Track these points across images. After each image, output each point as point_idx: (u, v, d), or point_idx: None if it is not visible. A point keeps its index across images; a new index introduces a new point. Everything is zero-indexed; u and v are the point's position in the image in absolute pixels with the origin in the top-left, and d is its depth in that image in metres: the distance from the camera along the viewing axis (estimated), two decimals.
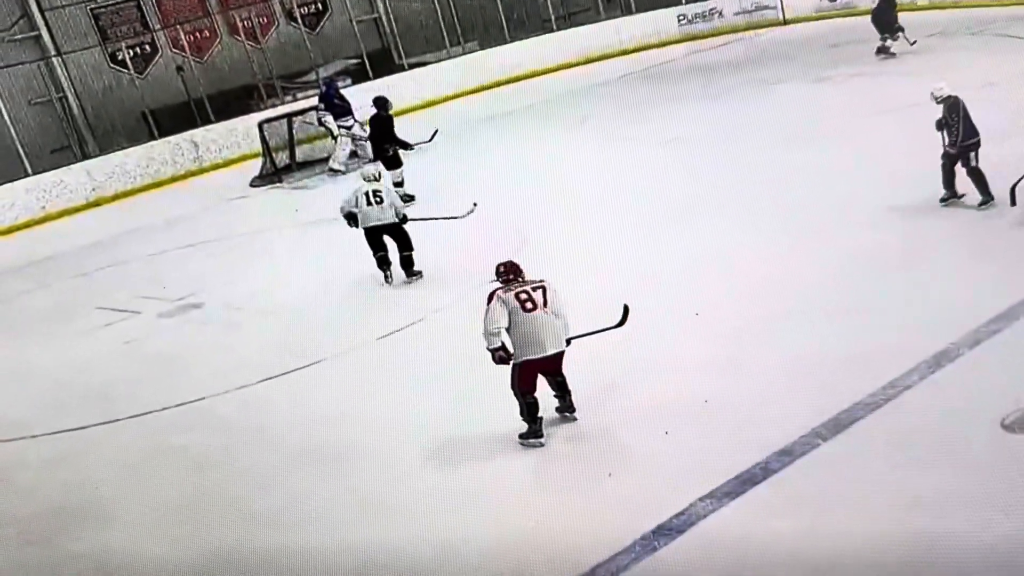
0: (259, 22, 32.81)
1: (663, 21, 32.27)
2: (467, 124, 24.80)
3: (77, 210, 25.87)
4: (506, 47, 31.82)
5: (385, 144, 19.25)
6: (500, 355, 9.67)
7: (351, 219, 14.57)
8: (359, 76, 30.93)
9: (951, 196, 13.44)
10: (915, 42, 22.00)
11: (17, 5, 29.03)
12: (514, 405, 9.54)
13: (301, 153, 25.02)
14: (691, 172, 16.21)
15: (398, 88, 29.23)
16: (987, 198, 13.08)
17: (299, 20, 33.35)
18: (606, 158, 18.11)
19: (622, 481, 8.36)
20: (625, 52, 31.89)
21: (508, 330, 9.57)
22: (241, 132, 27.56)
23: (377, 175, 15.13)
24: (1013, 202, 12.57)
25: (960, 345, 9.54)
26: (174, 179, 27.13)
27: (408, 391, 10.90)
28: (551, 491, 8.53)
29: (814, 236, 13.21)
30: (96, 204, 26.23)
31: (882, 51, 22.66)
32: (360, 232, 14.51)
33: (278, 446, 10.43)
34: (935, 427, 8.29)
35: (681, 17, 32.55)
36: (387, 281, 14.65)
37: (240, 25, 32.37)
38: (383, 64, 32.39)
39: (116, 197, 26.50)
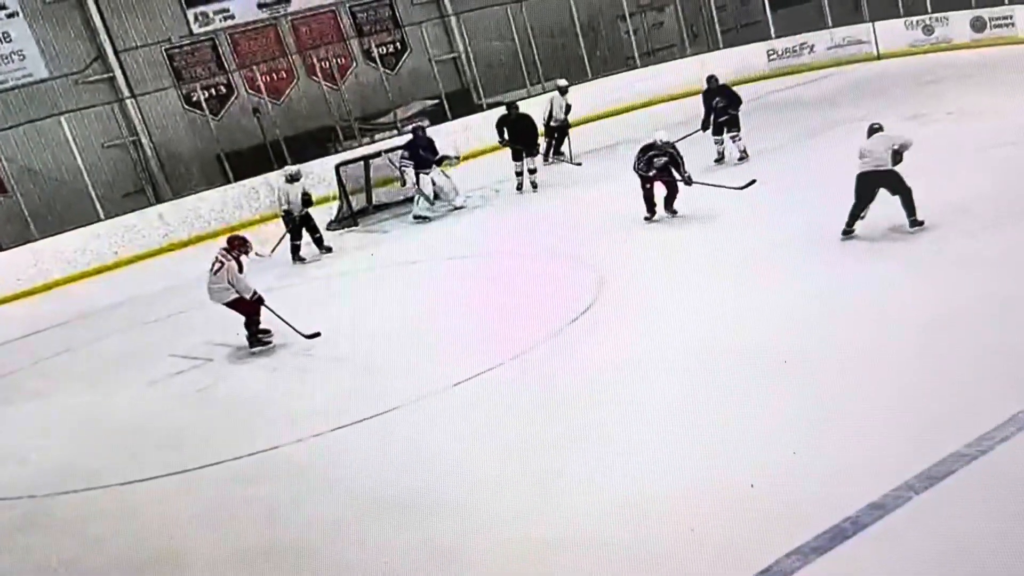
0: (337, 63, 33.19)
1: (751, 56, 32.32)
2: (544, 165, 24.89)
3: (150, 255, 26.37)
4: (588, 84, 31.95)
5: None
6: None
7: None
8: (438, 117, 31.13)
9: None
10: None
11: (91, 47, 29.61)
12: (596, 455, 9.95)
13: (377, 196, 25.27)
14: (781, 214, 16.12)
15: (477, 129, 29.47)
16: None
17: (377, 60, 33.68)
18: (690, 201, 18.04)
19: (706, 536, 8.29)
20: None
21: None
22: (318, 175, 27.72)
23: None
24: None
25: None
26: (249, 223, 27.21)
27: (485, 440, 10.95)
28: (635, 545, 8.46)
29: (907, 281, 13.09)
30: (169, 249, 26.67)
31: None
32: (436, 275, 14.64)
33: (352, 495, 10.44)
34: None
35: (771, 52, 32.52)
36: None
37: (318, 66, 32.75)
38: (462, 104, 32.60)
39: (190, 242, 26.93)
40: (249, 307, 15.64)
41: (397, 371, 13.03)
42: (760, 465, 9.13)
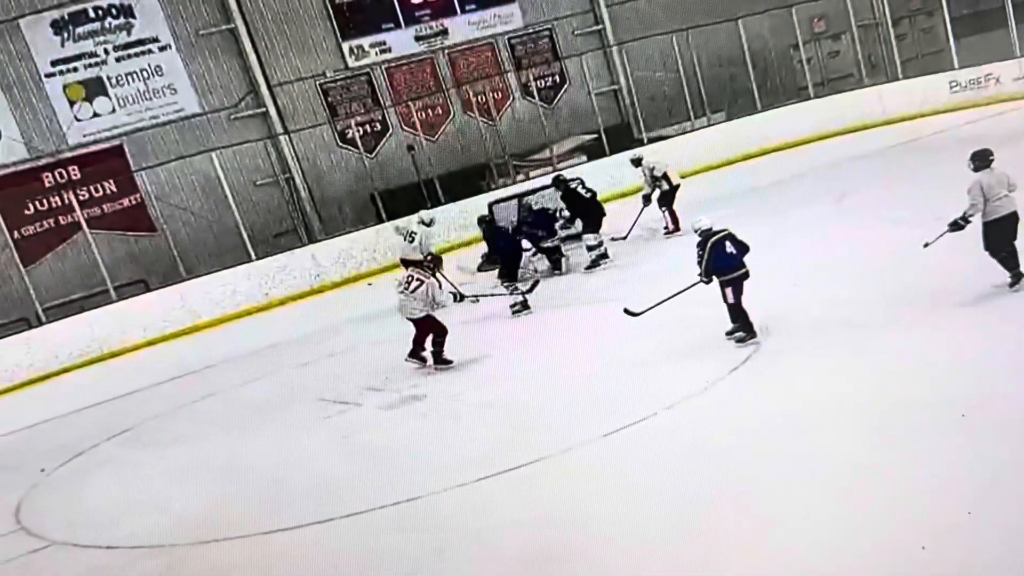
0: (494, 97, 33.53)
1: (932, 88, 31.73)
2: (708, 202, 24.74)
3: (301, 296, 26.94)
4: (757, 117, 31.83)
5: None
6: None
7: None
8: (595, 153, 31.19)
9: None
10: None
11: (244, 81, 30.34)
12: (755, 512, 9.87)
13: None
14: (966, 256, 15.79)
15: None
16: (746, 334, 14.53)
17: (535, 94, 33.98)
18: (866, 240, 17.79)
19: None
20: (889, 122, 31.57)
21: None
22: (472, 213, 27.92)
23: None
24: None
25: None
26: (403, 264, 27.39)
27: (636, 494, 10.88)
28: None
29: None
30: (321, 290, 27.21)
31: None
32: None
33: (496, 550, 10.52)
34: None
35: (953, 84, 31.89)
36: None
37: (474, 101, 33.16)
38: (621, 139, 32.59)
39: (342, 283, 27.50)
40: (440, 327, 16.89)
41: (546, 420, 13.10)
42: (932, 525, 8.94)
